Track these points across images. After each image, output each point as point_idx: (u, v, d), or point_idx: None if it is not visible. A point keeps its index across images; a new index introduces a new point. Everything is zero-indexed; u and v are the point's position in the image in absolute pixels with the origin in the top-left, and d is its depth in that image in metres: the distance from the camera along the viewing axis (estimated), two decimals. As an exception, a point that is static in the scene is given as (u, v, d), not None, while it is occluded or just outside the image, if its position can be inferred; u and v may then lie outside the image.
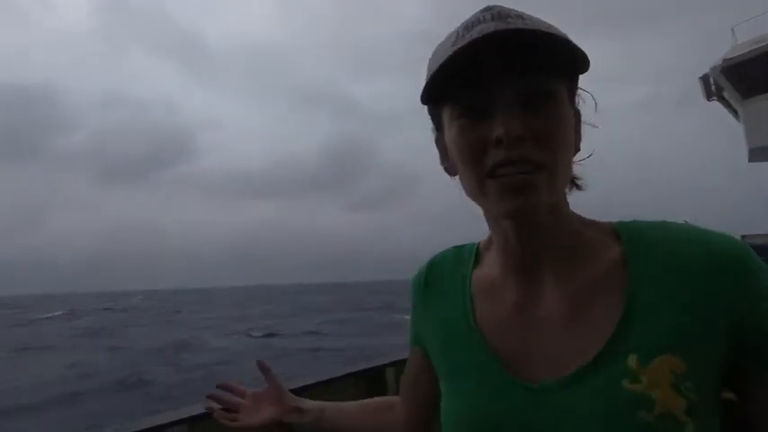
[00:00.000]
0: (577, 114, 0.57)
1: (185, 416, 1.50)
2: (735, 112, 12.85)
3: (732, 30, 12.19)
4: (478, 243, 0.68)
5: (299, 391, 1.55)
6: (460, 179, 0.57)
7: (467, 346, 0.59)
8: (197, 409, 1.48)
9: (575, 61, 0.49)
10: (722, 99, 12.75)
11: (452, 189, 0.60)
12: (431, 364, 0.68)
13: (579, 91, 0.57)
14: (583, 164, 0.59)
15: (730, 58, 11.56)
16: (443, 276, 0.68)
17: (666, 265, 0.50)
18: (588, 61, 0.49)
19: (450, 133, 0.55)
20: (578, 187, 0.60)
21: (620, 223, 0.57)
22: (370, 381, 2.09)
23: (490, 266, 0.63)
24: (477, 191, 0.53)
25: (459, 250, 0.69)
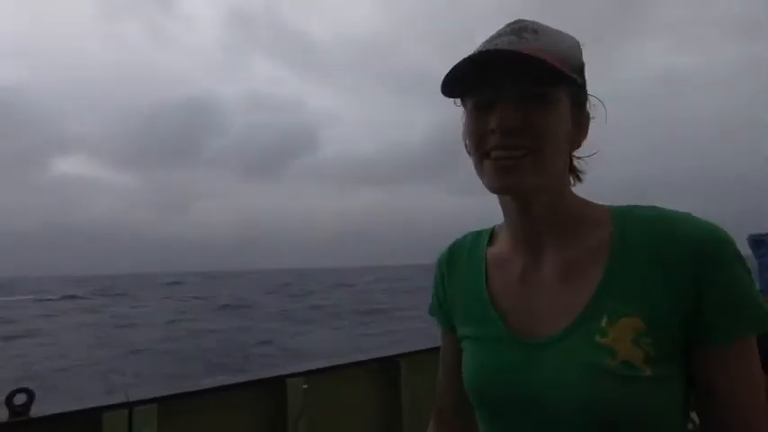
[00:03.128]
0: (583, 115, 0.65)
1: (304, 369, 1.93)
2: None
3: None
4: (494, 226, 0.79)
5: (314, 373, 2.05)
6: (471, 158, 0.67)
7: (480, 310, 0.70)
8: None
9: (564, 76, 0.57)
10: None
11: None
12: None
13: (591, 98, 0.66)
14: (585, 159, 0.69)
15: None
16: (463, 255, 0.78)
17: (643, 241, 0.59)
18: (574, 80, 0.58)
19: (465, 120, 0.66)
20: (579, 179, 0.70)
21: (617, 207, 0.66)
22: (384, 370, 2.35)
23: (502, 243, 0.74)
24: (477, 169, 0.65)
25: (476, 233, 0.80)
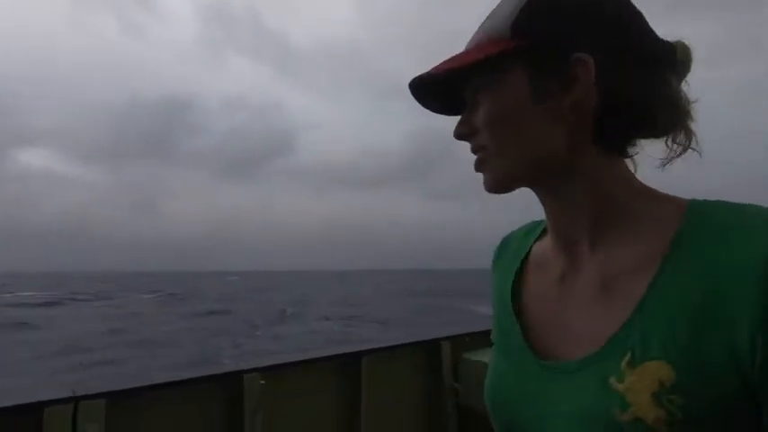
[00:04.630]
0: (560, 73, 0.49)
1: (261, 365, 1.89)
2: None
3: None
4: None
5: (272, 369, 2.06)
6: None
7: (504, 317, 0.62)
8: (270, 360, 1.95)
9: (494, 62, 0.52)
10: None
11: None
12: None
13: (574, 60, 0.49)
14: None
15: None
16: (511, 249, 0.70)
17: (712, 258, 0.42)
18: (499, 57, 0.51)
19: None
20: (623, 154, 0.53)
21: (699, 201, 0.48)
22: (346, 366, 2.34)
23: (546, 242, 0.63)
24: None
25: (532, 225, 0.70)
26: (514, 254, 0.68)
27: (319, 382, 2.36)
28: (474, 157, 0.58)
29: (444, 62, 0.55)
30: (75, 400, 1.65)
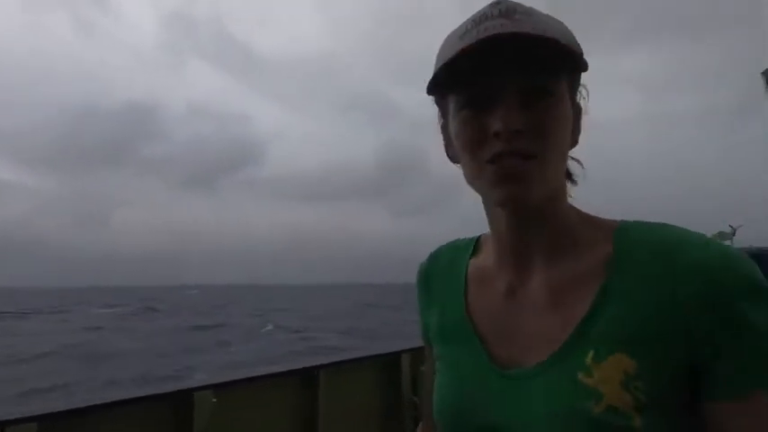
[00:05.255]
0: (577, 109, 0.58)
1: (212, 382, 1.90)
2: None
3: None
4: (480, 235, 0.71)
5: (224, 386, 2.00)
6: (462, 166, 0.59)
7: (457, 330, 0.63)
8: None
9: (574, 61, 0.51)
10: None
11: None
12: None
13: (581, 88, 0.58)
14: (576, 160, 0.60)
15: None
16: (443, 267, 0.70)
17: (646, 267, 0.50)
18: (586, 62, 0.51)
19: (453, 123, 0.57)
20: (572, 181, 0.61)
21: (623, 222, 0.57)
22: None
23: (486, 256, 0.66)
24: (475, 178, 0.56)
25: (459, 242, 0.72)
26: (451, 270, 0.70)
27: (275, 397, 2.29)
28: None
29: (537, 31, 0.49)
30: (1, 426, 1.53)
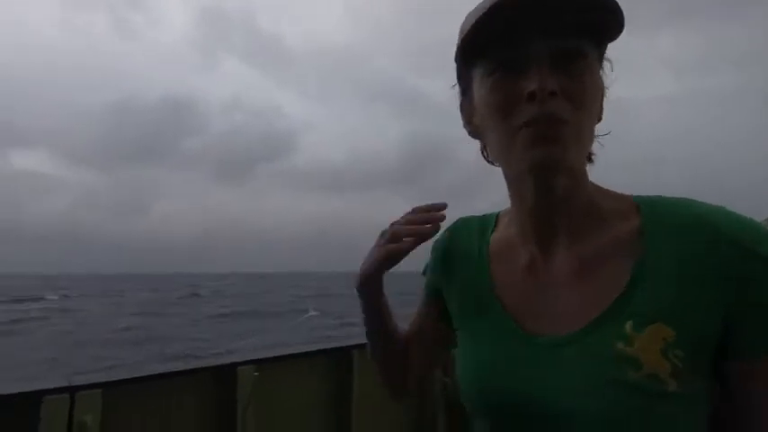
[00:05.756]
0: (602, 84, 0.56)
1: (254, 357, 1.99)
2: None
3: None
4: (498, 212, 0.72)
5: (265, 362, 2.13)
6: (488, 135, 0.58)
7: (483, 304, 0.63)
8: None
9: (607, 26, 0.50)
10: None
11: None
12: (441, 311, 0.73)
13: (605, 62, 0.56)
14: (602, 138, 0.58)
15: None
16: (464, 241, 0.71)
17: (680, 241, 0.51)
18: (622, 26, 0.50)
19: (482, 90, 0.56)
20: (590, 160, 0.60)
21: (642, 197, 0.58)
22: (337, 360, 2.40)
23: (507, 231, 0.66)
24: (505, 144, 0.55)
25: (480, 218, 0.73)
26: (472, 245, 0.70)
27: (312, 374, 2.38)
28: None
29: None
30: (71, 391, 1.68)
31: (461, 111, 0.65)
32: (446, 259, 0.73)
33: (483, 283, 0.66)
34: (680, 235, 0.52)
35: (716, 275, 0.49)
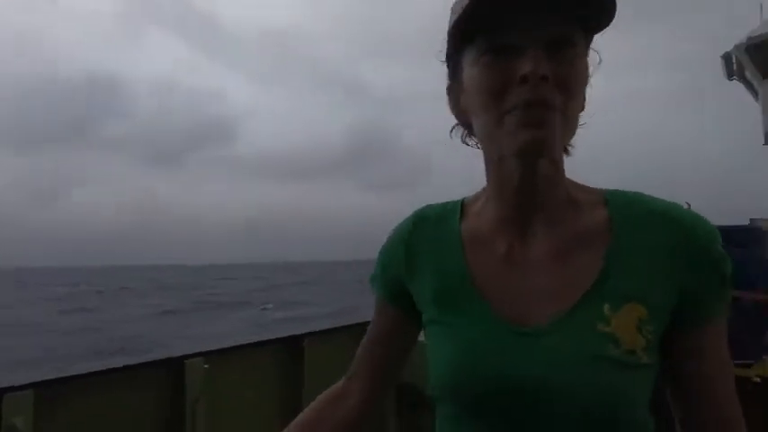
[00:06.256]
0: (588, 73, 0.58)
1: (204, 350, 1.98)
2: (755, 93, 12.09)
3: (760, 5, 11.50)
4: (463, 199, 0.71)
5: (215, 354, 2.09)
6: (476, 118, 0.59)
7: (459, 292, 0.63)
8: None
9: (598, 17, 0.53)
10: (743, 79, 12.13)
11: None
12: (405, 321, 0.71)
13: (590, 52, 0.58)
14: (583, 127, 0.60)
15: (755, 36, 10.99)
16: (429, 229, 0.69)
17: (646, 230, 0.57)
18: (612, 17, 0.53)
19: (472, 71, 0.57)
20: (566, 152, 0.62)
21: (609, 190, 0.63)
22: (288, 349, 2.41)
23: (478, 219, 0.66)
24: (493, 127, 0.56)
25: (442, 205, 0.71)
26: (441, 234, 0.68)
27: (263, 364, 2.36)
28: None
29: None
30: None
31: (449, 93, 0.66)
32: (411, 252, 0.70)
33: (459, 273, 0.64)
34: (645, 225, 0.58)
35: (676, 261, 0.56)
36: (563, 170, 0.61)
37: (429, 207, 0.72)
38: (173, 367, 2.00)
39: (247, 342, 2.35)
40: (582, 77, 0.56)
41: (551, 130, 0.53)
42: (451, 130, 0.68)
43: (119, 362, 2.01)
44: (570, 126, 0.56)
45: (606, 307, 0.55)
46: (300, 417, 0.74)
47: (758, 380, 2.13)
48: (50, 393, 1.67)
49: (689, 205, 0.70)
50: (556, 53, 0.53)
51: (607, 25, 0.55)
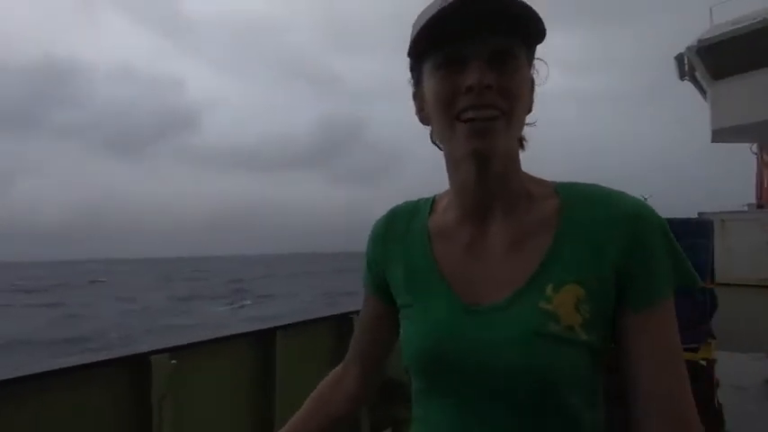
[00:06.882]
0: (532, 80, 0.67)
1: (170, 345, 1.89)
2: (704, 93, 12.68)
3: (710, 10, 11.93)
4: (434, 195, 0.79)
5: (182, 349, 2.02)
6: (434, 123, 0.68)
7: (425, 278, 0.70)
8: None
9: (535, 32, 0.61)
10: (694, 79, 12.65)
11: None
12: (387, 309, 0.78)
13: (535, 61, 0.67)
14: (533, 126, 0.69)
15: (705, 39, 11.48)
16: (402, 224, 0.77)
17: (589, 216, 0.63)
18: (544, 32, 0.61)
19: (429, 83, 0.65)
20: (522, 147, 0.70)
21: (561, 182, 0.69)
22: (259, 342, 2.39)
23: (445, 213, 0.73)
24: (446, 132, 0.64)
25: (415, 202, 0.79)
26: (411, 228, 0.76)
27: (234, 359, 2.33)
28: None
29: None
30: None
31: (414, 99, 0.74)
32: (386, 243, 0.79)
33: (426, 262, 0.72)
34: (589, 211, 0.64)
35: (615, 243, 0.61)
36: (518, 166, 0.69)
37: (404, 204, 0.82)
38: (137, 364, 1.92)
39: (216, 336, 2.27)
40: (523, 84, 0.63)
41: (495, 136, 0.61)
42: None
43: (80, 359, 1.88)
44: (514, 127, 0.64)
45: (549, 287, 0.61)
46: (307, 401, 0.85)
47: (704, 362, 2.28)
48: (4, 394, 1.57)
49: (645, 199, 0.73)
50: (500, 64, 0.61)
51: (542, 39, 0.64)
